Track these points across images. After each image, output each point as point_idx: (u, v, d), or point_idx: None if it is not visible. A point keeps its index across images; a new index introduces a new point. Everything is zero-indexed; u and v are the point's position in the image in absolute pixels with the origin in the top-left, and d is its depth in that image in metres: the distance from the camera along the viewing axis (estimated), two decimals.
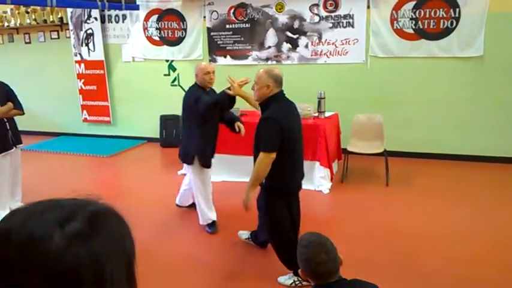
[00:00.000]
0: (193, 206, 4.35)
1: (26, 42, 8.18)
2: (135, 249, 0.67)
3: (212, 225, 4.07)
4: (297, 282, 3.15)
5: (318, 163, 4.94)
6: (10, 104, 4.28)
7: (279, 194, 3.10)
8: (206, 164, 3.92)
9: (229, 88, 3.48)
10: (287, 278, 3.19)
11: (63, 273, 0.55)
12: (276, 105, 3.01)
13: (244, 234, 3.82)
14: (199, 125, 3.81)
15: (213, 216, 4.06)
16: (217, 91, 3.75)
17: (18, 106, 4.37)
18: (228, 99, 3.50)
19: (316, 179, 4.97)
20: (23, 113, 4.45)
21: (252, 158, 3.12)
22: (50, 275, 0.55)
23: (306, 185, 4.94)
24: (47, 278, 0.55)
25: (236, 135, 4.05)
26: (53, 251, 0.55)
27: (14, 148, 4.40)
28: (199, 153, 3.87)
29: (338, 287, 1.75)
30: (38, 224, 0.58)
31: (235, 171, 5.12)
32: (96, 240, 0.59)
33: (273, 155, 2.92)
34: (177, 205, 4.55)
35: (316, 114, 5.22)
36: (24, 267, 0.55)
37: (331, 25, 6.07)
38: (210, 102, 3.60)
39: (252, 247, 3.72)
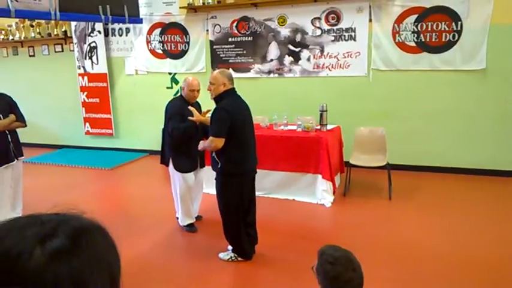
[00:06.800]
0: (197, 218, 4.48)
1: (30, 55, 8.26)
2: (120, 265, 0.64)
3: (189, 225, 4.32)
4: (233, 258, 3.63)
5: (320, 176, 4.90)
6: (12, 116, 4.30)
7: (233, 178, 3.46)
8: (179, 168, 4.14)
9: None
10: (225, 254, 3.68)
11: None
12: (228, 99, 3.43)
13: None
14: None
15: (186, 221, 4.31)
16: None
17: (20, 118, 4.39)
18: (195, 127, 3.93)
19: (319, 192, 4.93)
20: (25, 125, 4.46)
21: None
22: None
23: (308, 198, 4.98)
24: None
25: None
26: (32, 268, 0.53)
27: (16, 160, 4.40)
28: (173, 156, 4.14)
29: None
30: (16, 241, 0.55)
31: None
32: (79, 256, 0.57)
33: (220, 140, 3.32)
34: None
35: (319, 127, 5.21)
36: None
37: (333, 38, 6.08)
38: (179, 130, 3.93)
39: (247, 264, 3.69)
